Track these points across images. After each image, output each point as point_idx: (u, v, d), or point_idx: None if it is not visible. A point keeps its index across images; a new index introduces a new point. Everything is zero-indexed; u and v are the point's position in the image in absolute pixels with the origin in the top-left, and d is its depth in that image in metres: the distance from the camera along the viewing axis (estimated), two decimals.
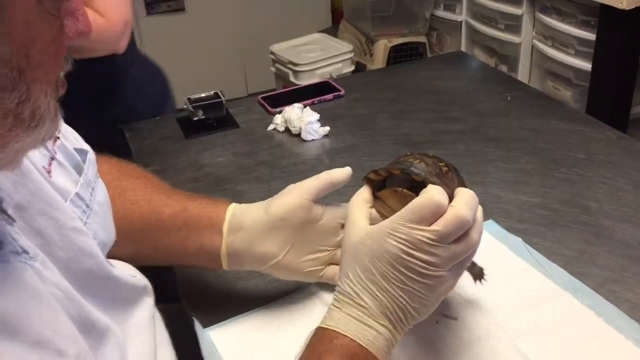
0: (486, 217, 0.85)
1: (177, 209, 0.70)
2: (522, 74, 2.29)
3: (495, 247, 0.80)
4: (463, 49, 2.50)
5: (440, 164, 0.60)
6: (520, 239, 0.81)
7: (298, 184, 0.68)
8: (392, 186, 0.60)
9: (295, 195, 0.66)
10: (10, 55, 0.36)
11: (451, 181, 0.58)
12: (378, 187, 0.62)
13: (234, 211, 0.69)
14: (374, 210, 0.60)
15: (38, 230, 0.50)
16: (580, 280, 0.74)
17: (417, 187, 0.57)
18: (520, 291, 0.73)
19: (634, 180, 0.94)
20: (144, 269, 0.68)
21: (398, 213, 0.54)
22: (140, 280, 0.65)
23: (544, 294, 0.72)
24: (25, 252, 0.46)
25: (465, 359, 0.64)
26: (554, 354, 0.64)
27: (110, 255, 0.76)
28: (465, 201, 0.54)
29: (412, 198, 0.55)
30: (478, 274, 0.67)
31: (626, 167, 0.97)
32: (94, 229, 0.59)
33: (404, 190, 0.58)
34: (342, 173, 0.68)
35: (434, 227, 0.53)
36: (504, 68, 2.34)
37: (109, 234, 0.64)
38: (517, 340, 0.66)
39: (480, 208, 0.57)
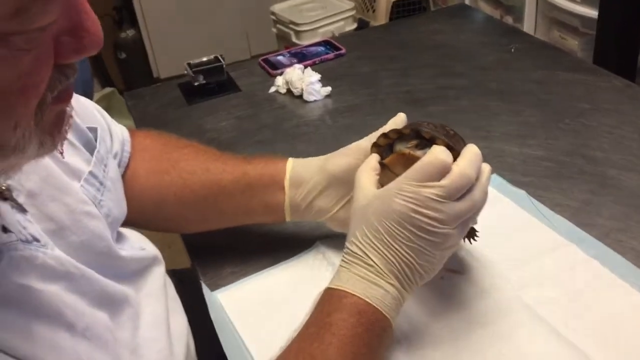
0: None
1: (237, 174, 0.72)
2: (528, 25, 2.24)
3: (499, 201, 0.80)
4: (467, 1, 2.45)
5: (447, 128, 0.61)
6: (524, 191, 0.81)
7: (356, 143, 0.68)
8: (400, 149, 0.61)
9: (351, 156, 0.67)
10: None
11: (457, 143, 0.59)
12: (386, 155, 0.63)
13: (293, 166, 0.71)
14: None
15: (50, 215, 0.51)
16: (585, 231, 0.74)
17: (424, 148, 0.58)
18: (524, 243, 0.73)
19: None
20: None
21: (405, 174, 0.55)
22: (150, 252, 0.66)
23: (549, 246, 0.72)
24: (36, 239, 0.47)
25: (471, 313, 0.65)
26: (559, 305, 0.65)
27: (171, 229, 0.78)
28: (469, 159, 0.56)
29: (419, 159, 0.56)
30: (470, 232, 0.66)
31: (632, 116, 0.96)
32: (109, 205, 0.60)
33: (411, 152, 0.59)
34: (395, 126, 0.66)
35: (439, 183, 0.54)
36: (509, 19, 2.29)
37: (122, 209, 0.65)
38: (522, 292, 0.66)
39: (488, 168, 0.57)
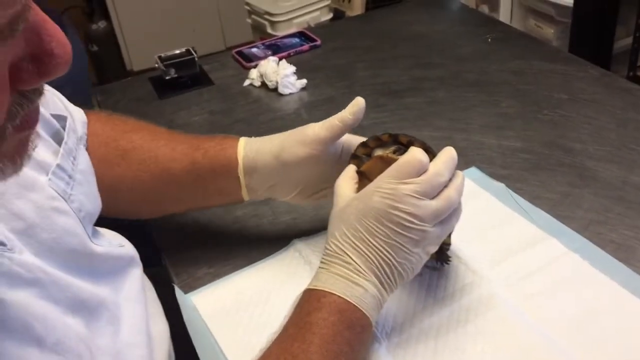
0: (469, 164, 0.84)
1: (186, 163, 0.69)
2: (504, 14, 2.25)
3: (478, 194, 0.79)
4: None
5: (424, 142, 0.63)
6: (503, 184, 0.80)
7: (313, 131, 0.65)
8: (378, 153, 0.63)
9: (308, 147, 0.65)
10: None
11: (432, 154, 0.60)
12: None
13: (246, 152, 0.68)
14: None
15: (18, 214, 0.48)
16: (564, 223, 0.73)
17: (402, 153, 0.59)
18: (504, 238, 0.72)
19: (617, 118, 0.92)
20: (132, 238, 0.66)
21: (383, 173, 0.56)
22: (128, 251, 0.63)
23: (528, 240, 0.71)
24: (2, 244, 0.45)
25: (451, 309, 0.64)
26: (539, 300, 0.64)
27: (128, 216, 0.76)
28: (444, 160, 0.57)
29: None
30: (443, 256, 0.66)
31: (609, 105, 0.95)
32: (80, 199, 0.57)
33: (389, 155, 0.60)
34: (353, 113, 0.65)
35: (416, 180, 0.55)
36: (485, 8, 2.29)
37: (95, 203, 0.62)
38: (502, 288, 0.65)
39: (461, 173, 0.59)
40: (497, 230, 0.73)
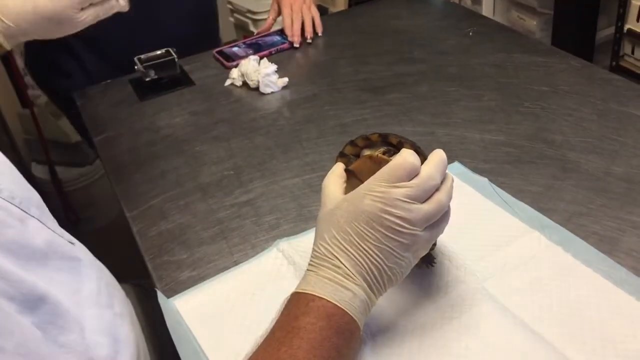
0: (452, 159, 0.84)
1: None
2: (487, 7, 2.24)
3: (461, 189, 0.79)
4: None
5: (414, 142, 0.62)
6: (486, 179, 0.80)
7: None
8: (368, 153, 0.62)
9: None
10: None
11: (422, 155, 0.59)
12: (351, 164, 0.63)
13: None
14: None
15: None
16: (547, 216, 0.73)
17: (392, 155, 0.58)
18: (487, 232, 0.72)
19: (598, 109, 0.92)
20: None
21: (374, 175, 0.55)
22: (76, 249, 0.62)
23: (511, 234, 0.71)
24: None
25: (436, 306, 0.63)
26: (524, 293, 0.64)
27: None
28: (435, 163, 0.56)
29: (387, 163, 0.56)
30: (428, 258, 0.67)
31: (590, 97, 0.96)
32: (9, 188, 0.55)
33: (379, 155, 0.59)
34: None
35: (408, 184, 0.54)
36: (467, 2, 2.29)
37: (25, 188, 0.59)
38: (486, 283, 0.65)
39: (451, 175, 0.58)
40: (480, 224, 0.73)
